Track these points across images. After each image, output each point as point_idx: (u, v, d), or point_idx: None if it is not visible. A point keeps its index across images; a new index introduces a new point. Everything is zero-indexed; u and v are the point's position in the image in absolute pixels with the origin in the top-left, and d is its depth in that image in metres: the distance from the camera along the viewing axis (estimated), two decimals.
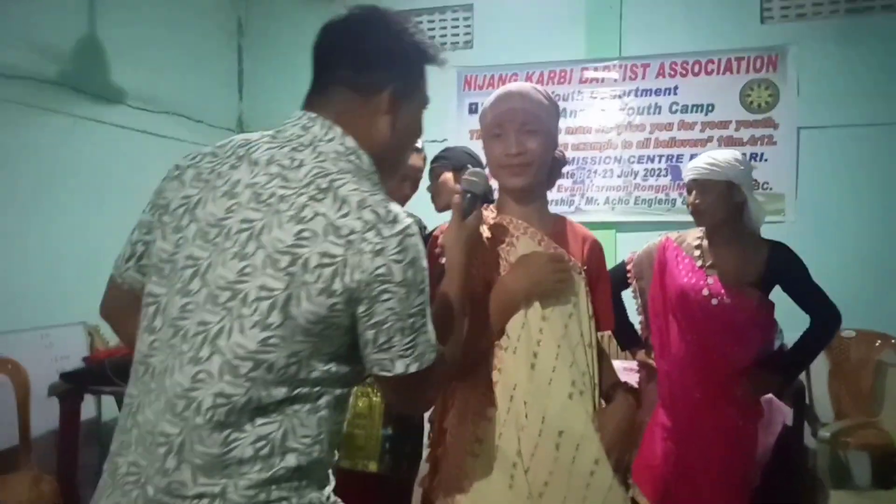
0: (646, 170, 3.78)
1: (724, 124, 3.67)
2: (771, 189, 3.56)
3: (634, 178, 3.79)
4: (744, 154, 2.46)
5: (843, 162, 3.48)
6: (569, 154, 1.45)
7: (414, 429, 2.28)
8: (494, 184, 1.44)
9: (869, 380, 3.19)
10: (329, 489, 0.97)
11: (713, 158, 1.99)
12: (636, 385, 2.38)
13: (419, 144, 2.22)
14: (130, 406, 0.93)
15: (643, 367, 2.24)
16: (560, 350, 1.30)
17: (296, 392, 0.89)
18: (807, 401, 3.09)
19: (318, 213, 0.88)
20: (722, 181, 1.96)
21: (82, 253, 3.24)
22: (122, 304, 1.05)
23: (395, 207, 0.93)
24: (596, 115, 3.86)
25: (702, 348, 1.99)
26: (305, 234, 0.87)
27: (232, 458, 0.86)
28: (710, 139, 3.67)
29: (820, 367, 3.22)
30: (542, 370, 1.29)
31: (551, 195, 1.60)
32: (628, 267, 2.24)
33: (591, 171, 3.86)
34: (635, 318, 2.29)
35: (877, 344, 3.25)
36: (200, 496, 0.85)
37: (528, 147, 1.31)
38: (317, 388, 0.91)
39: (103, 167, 3.40)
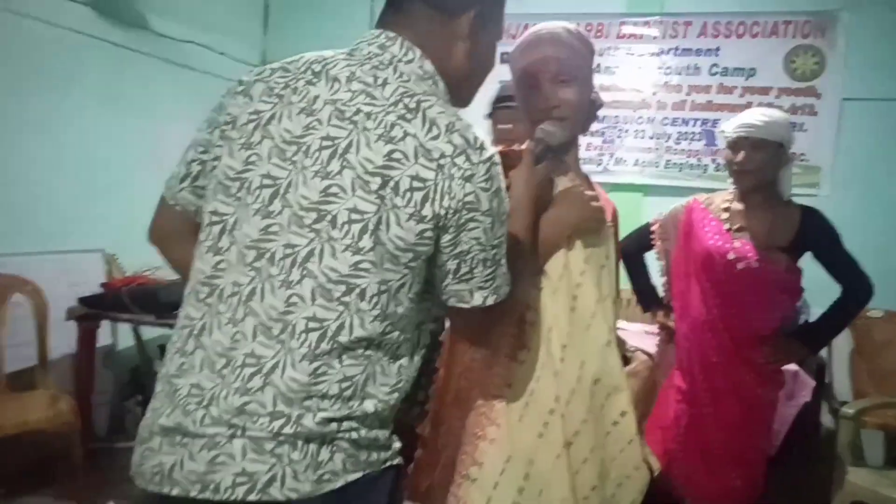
0: (679, 133, 3.67)
1: (764, 90, 3.53)
2: (807, 161, 3.45)
3: (666, 141, 3.69)
4: None
5: (886, 137, 3.36)
6: (600, 112, 1.40)
7: (425, 376, 2.27)
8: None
9: (892, 360, 3.15)
10: (392, 428, 0.95)
11: (767, 116, 1.89)
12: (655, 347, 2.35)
13: None
14: (191, 328, 0.89)
15: (662, 328, 2.21)
16: (598, 296, 1.25)
17: (384, 330, 0.87)
18: (826, 379, 3.06)
19: (409, 134, 0.84)
20: (775, 141, 1.88)
21: (102, 180, 3.21)
22: (175, 228, 1.00)
23: (480, 133, 0.89)
24: (632, 73, 3.73)
25: (723, 312, 1.94)
26: (396, 154, 0.84)
27: (317, 390, 0.84)
28: (748, 105, 3.53)
29: (842, 345, 3.17)
30: (581, 315, 1.23)
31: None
32: (653, 228, 2.19)
33: (623, 130, 3.75)
34: (658, 281, 2.25)
35: None
36: (273, 415, 0.83)
37: (563, 98, 1.22)
38: (399, 331, 0.89)
39: (124, 93, 3.33)
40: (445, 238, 0.87)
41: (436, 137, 0.85)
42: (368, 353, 0.87)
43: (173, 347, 0.90)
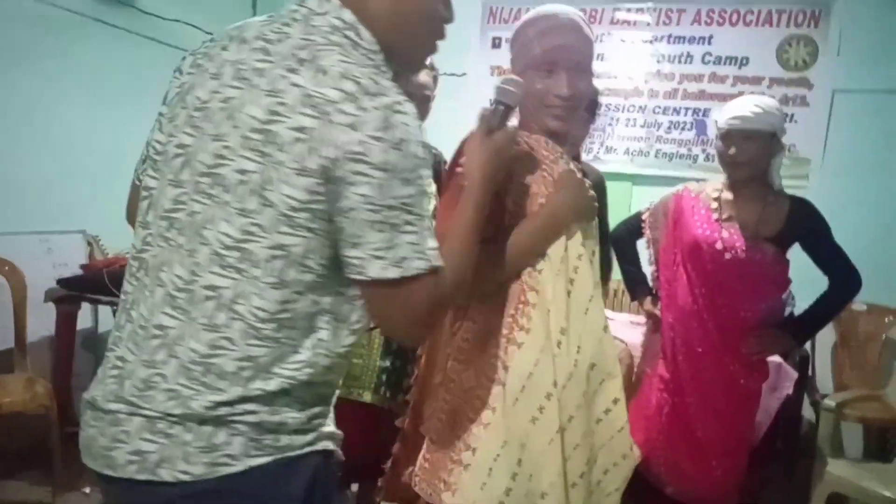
0: (670, 122, 3.64)
1: (756, 80, 3.51)
2: (797, 153, 3.44)
3: (657, 130, 3.66)
4: None
5: (877, 130, 3.34)
6: None
7: (414, 363, 2.26)
8: None
9: (875, 354, 3.16)
10: (317, 411, 0.90)
11: (760, 106, 1.85)
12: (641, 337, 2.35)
13: (428, 62, 2.12)
14: (125, 303, 0.90)
15: (650, 317, 2.20)
16: (594, 279, 1.23)
17: (286, 299, 0.82)
18: (808, 371, 3.07)
19: (295, 85, 0.79)
20: (767, 131, 1.85)
21: (85, 160, 3.16)
22: None
23: (387, 83, 0.82)
24: (624, 61, 3.69)
25: (709, 302, 1.93)
26: (278, 107, 0.79)
27: (214, 364, 0.82)
28: (740, 94, 3.49)
29: (825, 338, 3.18)
30: (579, 299, 1.20)
31: None
32: (644, 216, 2.17)
33: (614, 118, 3.72)
34: (647, 270, 2.24)
35: (887, 320, 3.20)
36: (169, 394, 0.82)
37: (581, 89, 1.22)
38: (313, 301, 0.84)
39: (109, 72, 3.27)
40: (333, 193, 0.79)
41: (323, 84, 0.78)
42: (278, 335, 0.83)
43: (114, 324, 0.92)
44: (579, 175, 1.25)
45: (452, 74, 3.97)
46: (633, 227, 2.19)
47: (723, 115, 1.91)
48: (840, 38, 3.38)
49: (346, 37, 0.86)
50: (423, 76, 2.13)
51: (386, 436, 2.28)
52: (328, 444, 0.91)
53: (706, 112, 3.57)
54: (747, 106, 1.86)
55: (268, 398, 0.83)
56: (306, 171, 0.78)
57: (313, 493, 0.87)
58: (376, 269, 0.81)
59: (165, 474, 0.80)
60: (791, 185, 2.09)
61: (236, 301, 0.81)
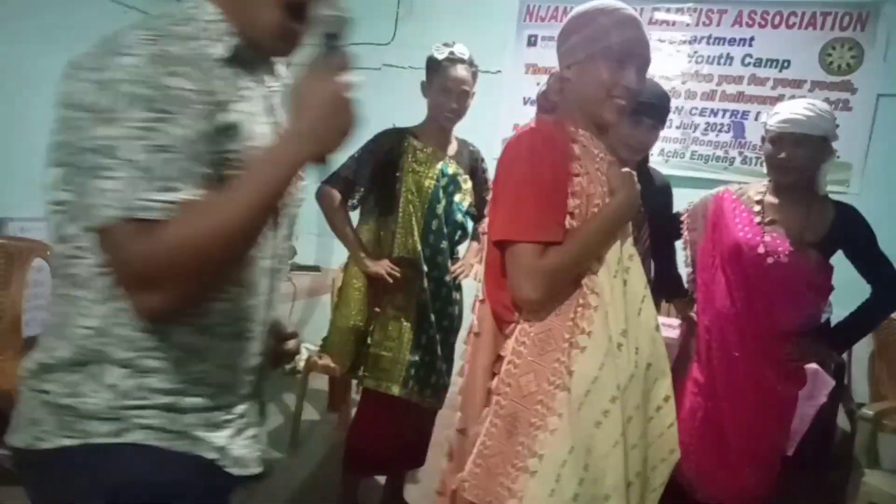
0: (707, 123, 3.59)
1: (798, 83, 3.44)
2: (839, 157, 3.34)
3: (693, 132, 3.61)
4: None
5: None
6: None
7: (442, 359, 2.27)
8: None
9: None
10: (147, 402, 0.82)
11: (812, 109, 1.83)
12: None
13: (460, 53, 2.12)
14: None
15: (685, 320, 2.18)
16: (645, 280, 1.25)
17: (66, 253, 0.82)
18: (845, 380, 3.01)
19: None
20: (819, 136, 1.82)
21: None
22: None
23: (137, 35, 0.77)
24: (662, 60, 3.64)
25: (748, 307, 1.90)
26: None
27: (45, 325, 0.86)
28: (780, 97, 3.45)
29: (863, 347, 3.11)
30: (632, 299, 1.21)
31: None
32: (683, 217, 2.15)
33: None
34: (683, 272, 2.22)
35: None
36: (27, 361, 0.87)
37: (640, 87, 1.25)
38: (96, 262, 0.80)
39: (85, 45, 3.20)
40: (57, 144, 0.79)
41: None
42: (65, 291, 0.82)
43: None
44: (633, 175, 1.26)
45: (487, 72, 3.96)
46: (672, 226, 2.17)
47: (773, 118, 1.88)
48: (888, 42, 3.30)
49: (187, 9, 0.86)
50: (462, 71, 2.13)
51: (412, 430, 2.31)
52: (149, 438, 0.82)
53: (744, 114, 3.51)
54: (799, 109, 1.83)
55: (64, 369, 0.82)
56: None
57: (120, 494, 0.81)
58: (77, 217, 0.78)
59: (12, 439, 0.85)
60: (832, 191, 2.05)
61: (57, 258, 0.85)
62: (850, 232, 1.88)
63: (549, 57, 3.87)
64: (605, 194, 1.22)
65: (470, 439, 1.25)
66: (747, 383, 1.92)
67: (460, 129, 2.34)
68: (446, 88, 2.13)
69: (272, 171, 0.80)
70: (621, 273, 1.20)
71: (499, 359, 1.24)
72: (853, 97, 3.37)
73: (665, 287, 2.22)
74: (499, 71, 3.96)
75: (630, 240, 1.24)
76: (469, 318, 2.33)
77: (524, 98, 3.93)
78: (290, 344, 1.09)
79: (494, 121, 3.96)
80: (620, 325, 1.17)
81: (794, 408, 2.01)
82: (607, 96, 1.22)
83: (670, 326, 2.49)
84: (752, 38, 3.51)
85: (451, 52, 2.14)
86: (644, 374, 1.21)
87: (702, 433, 1.99)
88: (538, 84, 3.85)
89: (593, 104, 1.24)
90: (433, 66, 2.17)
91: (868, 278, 1.93)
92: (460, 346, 2.52)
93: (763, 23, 3.50)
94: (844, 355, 3.11)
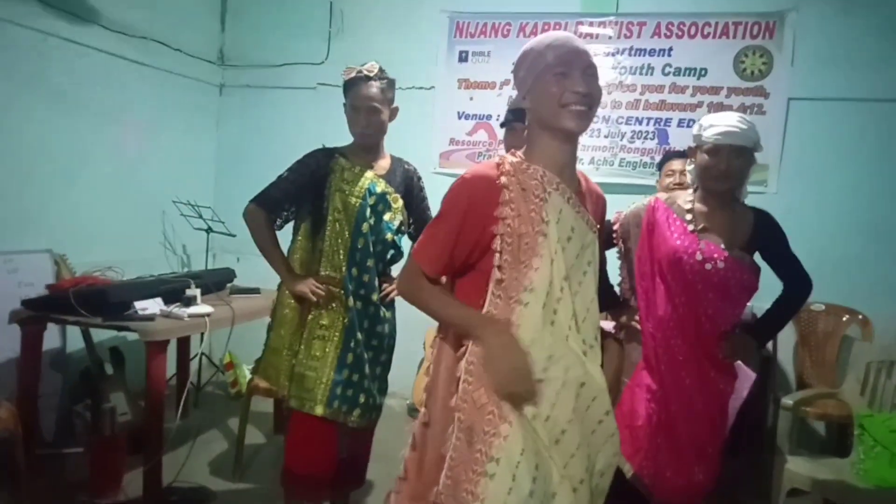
0: (633, 132, 3.73)
1: (715, 90, 3.62)
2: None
3: (621, 140, 3.75)
4: None
5: (830, 136, 3.47)
6: None
7: (371, 378, 2.23)
8: None
9: (833, 352, 3.26)
10: None
11: (745, 122, 1.92)
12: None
13: (367, 71, 2.13)
14: None
15: (621, 328, 2.24)
16: (575, 309, 1.32)
17: None
18: (772, 370, 3.15)
19: None
20: (750, 146, 1.92)
21: (53, 177, 3.14)
22: None
23: None
24: None
25: (690, 311, 1.98)
26: None
27: None
28: (700, 104, 3.63)
29: (787, 337, 3.28)
30: (560, 328, 1.31)
31: None
32: (615, 227, 2.20)
33: None
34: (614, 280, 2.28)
35: (844, 318, 3.31)
36: None
37: (592, 89, 1.30)
38: None
39: (74, 89, 3.26)
40: None
41: None
42: None
43: None
44: (517, 352, 1.29)
45: (420, 88, 4.03)
46: (603, 237, 2.22)
47: (708, 131, 1.94)
48: (794, 49, 3.51)
49: None
50: (369, 88, 2.13)
51: (346, 450, 2.28)
52: None
53: (667, 121, 3.67)
54: (734, 121, 1.91)
55: None
56: None
57: None
58: None
59: None
60: (750, 191, 2.16)
61: None
62: (768, 235, 2.01)
63: (479, 71, 3.96)
64: (540, 232, 1.30)
65: (438, 452, 1.35)
66: (693, 384, 1.99)
67: (394, 143, 2.35)
68: (355, 107, 2.16)
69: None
70: (550, 303, 1.30)
71: (459, 360, 1.36)
72: (766, 101, 3.56)
73: (600, 298, 2.27)
74: (432, 87, 4.03)
75: (563, 269, 1.31)
76: (402, 334, 2.39)
77: (458, 112, 4.00)
78: None
79: (429, 135, 4.02)
80: (546, 351, 1.29)
81: (728, 401, 2.10)
82: (559, 106, 1.30)
83: (608, 333, 2.56)
84: (670, 49, 3.68)
85: (359, 71, 2.16)
86: (576, 391, 1.32)
87: (658, 437, 2.04)
88: (471, 99, 3.98)
89: (552, 119, 1.32)
90: (344, 87, 2.20)
91: (781, 276, 2.05)
92: (407, 360, 2.53)
93: (680, 33, 3.66)
94: (769, 346, 3.27)
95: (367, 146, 2.23)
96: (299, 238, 2.30)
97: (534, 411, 1.28)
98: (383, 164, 2.28)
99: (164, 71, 3.85)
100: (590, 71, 1.30)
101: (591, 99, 1.29)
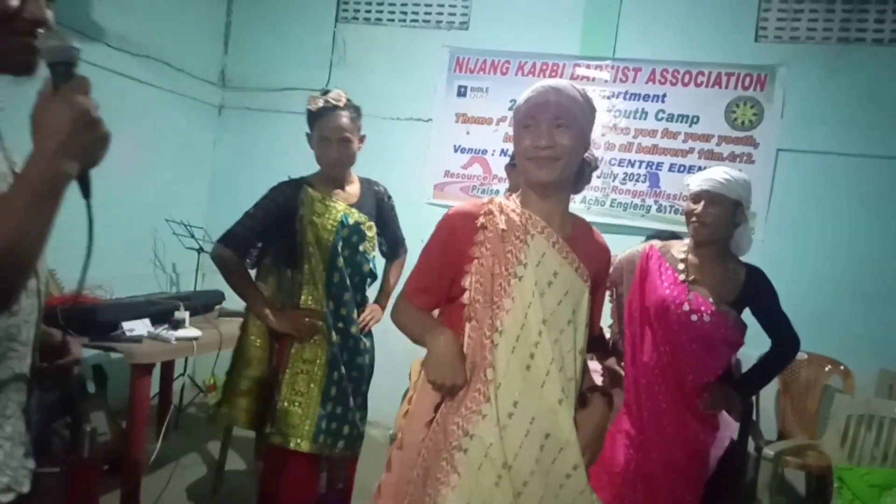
0: (625, 174, 3.80)
1: (706, 137, 3.70)
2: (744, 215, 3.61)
3: (613, 181, 3.82)
4: None
5: (817, 187, 3.56)
6: None
7: (354, 409, 2.23)
8: None
9: (815, 402, 3.30)
10: None
11: (729, 175, 2.00)
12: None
13: (335, 101, 2.08)
14: None
15: (608, 371, 2.25)
16: (554, 355, 1.30)
17: None
18: (754, 417, 3.18)
19: None
20: (732, 198, 1.98)
21: None
22: None
23: None
24: None
25: (674, 360, 2.01)
26: None
27: None
28: (691, 151, 3.71)
29: (770, 385, 3.30)
30: (536, 373, 1.29)
31: None
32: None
33: None
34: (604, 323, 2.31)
35: (826, 368, 3.36)
36: None
37: (558, 141, 1.29)
38: None
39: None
40: None
41: None
42: None
43: None
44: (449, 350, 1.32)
45: (419, 119, 4.09)
46: None
47: (695, 179, 2.05)
48: (783, 102, 3.61)
49: None
50: (339, 119, 2.09)
51: (329, 483, 2.26)
52: None
53: (659, 165, 3.75)
54: (719, 172, 2.01)
55: None
56: None
57: None
58: None
59: None
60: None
61: None
62: (759, 293, 2.05)
63: (477, 107, 4.03)
64: (513, 274, 1.31)
65: (409, 476, 1.37)
66: (674, 433, 2.02)
67: (391, 173, 2.35)
68: (326, 138, 2.10)
69: (36, 196, 0.83)
70: (526, 347, 1.29)
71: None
72: (756, 151, 3.64)
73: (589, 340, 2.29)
74: (430, 119, 4.09)
75: (540, 316, 1.30)
76: (387, 365, 2.39)
77: (454, 145, 4.05)
78: (70, 354, 1.15)
79: (425, 166, 4.06)
80: (513, 396, 1.27)
81: (709, 454, 2.12)
82: (526, 160, 1.33)
83: (595, 371, 2.57)
84: (664, 95, 3.77)
85: (326, 101, 2.10)
86: (540, 442, 1.29)
87: (637, 484, 2.05)
88: (467, 133, 4.04)
89: (523, 171, 1.36)
90: (310, 118, 2.13)
91: (770, 334, 2.10)
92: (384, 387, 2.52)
93: (674, 81, 3.76)
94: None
95: (334, 176, 2.19)
96: (267, 273, 2.25)
97: (503, 459, 1.25)
98: (353, 190, 2.24)
99: (164, 90, 3.88)
100: (559, 122, 1.29)
101: (556, 150, 1.29)
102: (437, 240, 1.39)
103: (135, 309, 2.67)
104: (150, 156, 3.84)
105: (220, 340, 2.73)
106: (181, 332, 2.61)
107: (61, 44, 0.92)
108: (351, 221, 2.17)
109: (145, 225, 3.83)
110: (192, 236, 3.79)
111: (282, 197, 2.15)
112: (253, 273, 2.25)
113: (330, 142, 2.10)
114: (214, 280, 4.11)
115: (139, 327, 2.55)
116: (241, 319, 3.15)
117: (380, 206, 2.31)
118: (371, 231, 2.24)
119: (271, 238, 2.19)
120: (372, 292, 2.38)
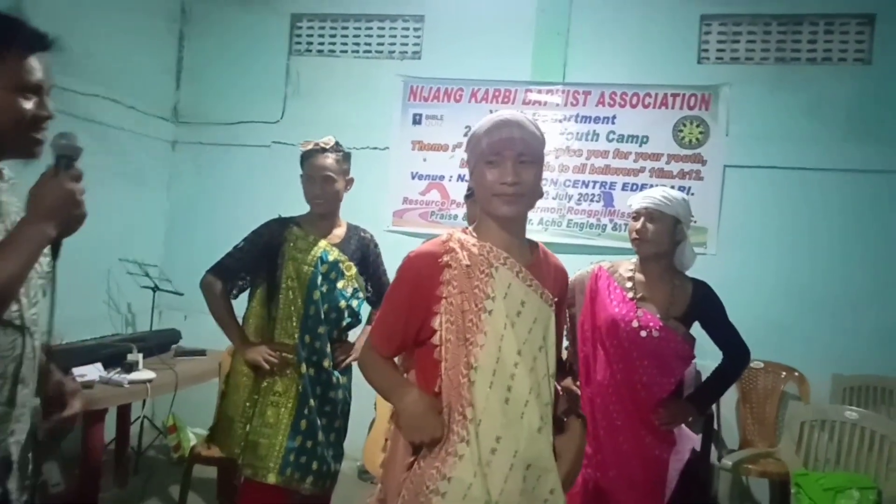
0: (580, 194, 3.88)
1: (656, 156, 3.80)
2: (695, 222, 3.69)
3: (568, 202, 3.88)
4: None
5: (764, 201, 3.68)
6: None
7: (326, 445, 2.22)
8: None
9: (773, 410, 3.37)
10: None
11: (667, 194, 2.11)
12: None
13: (323, 143, 2.23)
14: None
15: (566, 392, 2.27)
16: (531, 383, 1.31)
17: None
18: (715, 426, 3.23)
19: None
20: (671, 216, 2.07)
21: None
22: None
23: None
24: None
25: (626, 377, 2.05)
26: None
27: None
28: (642, 170, 3.81)
29: (729, 394, 3.36)
30: (515, 404, 1.29)
31: None
32: None
33: None
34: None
35: (782, 375, 3.44)
36: None
37: (524, 178, 1.31)
38: None
39: None
40: None
41: None
42: None
43: None
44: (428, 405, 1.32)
45: (375, 148, 4.11)
46: None
47: (636, 199, 2.15)
48: (728, 120, 3.74)
49: None
50: (323, 159, 2.21)
51: None
52: None
53: (612, 185, 3.83)
54: (657, 192, 2.12)
55: None
56: None
57: None
58: None
59: None
60: None
61: None
62: (706, 307, 2.12)
63: (432, 134, 4.08)
64: (482, 309, 1.31)
65: None
66: (630, 450, 2.04)
67: (349, 202, 2.37)
68: (311, 176, 2.24)
69: (21, 249, 1.06)
70: (503, 379, 1.29)
71: None
72: (703, 168, 3.75)
73: None
74: (386, 147, 4.11)
75: (515, 346, 1.31)
76: (354, 395, 2.37)
77: (412, 172, 4.08)
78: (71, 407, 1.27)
79: (383, 194, 4.08)
80: (496, 431, 1.28)
81: (667, 468, 2.14)
82: (491, 195, 1.33)
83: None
84: (614, 117, 3.87)
85: (315, 144, 2.26)
86: (523, 473, 1.29)
87: (595, 502, 2.06)
88: (424, 160, 4.08)
89: (486, 205, 1.36)
90: (301, 159, 2.29)
91: (720, 346, 2.16)
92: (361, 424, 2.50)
93: (623, 103, 3.86)
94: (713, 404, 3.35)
95: (322, 215, 2.29)
96: (254, 305, 2.33)
97: (485, 499, 1.25)
98: (338, 232, 2.34)
99: (115, 128, 3.83)
100: (522, 158, 1.31)
101: (521, 187, 1.31)
102: (403, 285, 1.37)
103: (86, 354, 2.61)
104: (103, 195, 3.73)
105: (175, 381, 2.68)
106: (134, 375, 2.56)
107: (70, 143, 1.20)
108: (330, 258, 2.26)
109: (99, 266, 3.75)
110: (147, 275, 3.72)
111: (269, 233, 2.28)
112: (236, 303, 2.34)
113: (314, 180, 2.23)
114: (171, 317, 4.05)
115: (91, 372, 2.49)
116: (198, 359, 3.12)
117: (364, 253, 2.39)
118: (350, 271, 2.32)
119: (257, 271, 2.30)
120: (353, 335, 2.43)
